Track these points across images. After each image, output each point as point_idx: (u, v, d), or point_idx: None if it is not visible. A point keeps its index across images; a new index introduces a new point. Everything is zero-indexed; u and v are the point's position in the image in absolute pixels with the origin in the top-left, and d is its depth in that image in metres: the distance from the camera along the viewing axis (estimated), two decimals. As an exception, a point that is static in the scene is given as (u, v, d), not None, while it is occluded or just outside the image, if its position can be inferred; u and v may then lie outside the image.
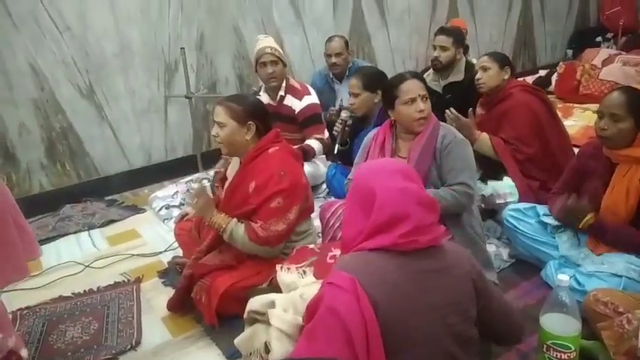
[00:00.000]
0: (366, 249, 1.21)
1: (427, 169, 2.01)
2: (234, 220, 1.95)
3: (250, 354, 1.56)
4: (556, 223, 2.10)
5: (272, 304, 1.55)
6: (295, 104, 3.02)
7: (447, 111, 2.48)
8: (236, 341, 1.63)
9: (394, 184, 1.21)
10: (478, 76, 2.60)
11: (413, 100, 2.00)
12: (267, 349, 1.49)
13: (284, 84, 3.02)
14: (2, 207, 1.62)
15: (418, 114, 2.01)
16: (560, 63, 4.99)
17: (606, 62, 4.60)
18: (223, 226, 1.94)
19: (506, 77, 2.59)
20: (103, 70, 3.27)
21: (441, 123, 2.12)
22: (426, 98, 2.03)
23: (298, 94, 3.03)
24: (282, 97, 3.03)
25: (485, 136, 2.51)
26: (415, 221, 1.18)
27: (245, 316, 1.64)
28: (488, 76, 2.58)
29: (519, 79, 2.87)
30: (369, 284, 1.15)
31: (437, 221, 1.24)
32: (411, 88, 2.01)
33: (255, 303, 1.61)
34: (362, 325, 1.11)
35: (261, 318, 1.57)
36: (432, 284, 1.20)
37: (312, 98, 3.07)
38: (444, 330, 1.20)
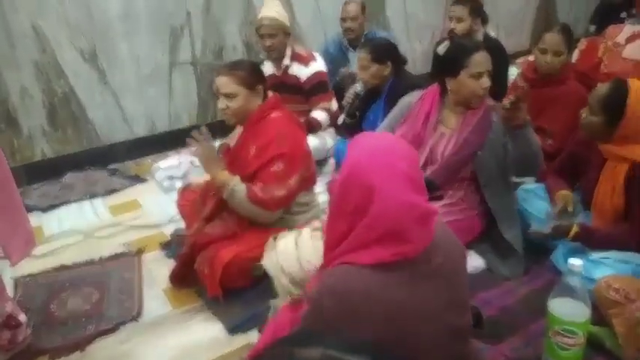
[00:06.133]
0: (359, 264, 1.03)
1: (479, 144, 1.98)
2: (238, 177, 1.91)
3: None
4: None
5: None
6: (302, 72, 2.92)
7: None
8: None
9: (399, 196, 1.01)
10: (548, 60, 2.44)
11: (481, 75, 1.94)
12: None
13: (288, 52, 2.92)
14: (6, 174, 1.58)
15: (482, 90, 1.96)
16: (582, 39, 4.80)
17: (631, 39, 4.39)
18: (226, 182, 1.89)
19: (569, 58, 2.50)
20: (106, 34, 3.18)
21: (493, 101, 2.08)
22: (491, 75, 1.97)
23: (304, 61, 2.93)
24: (287, 67, 2.94)
25: None
26: (412, 243, 1.03)
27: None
28: (559, 61, 2.45)
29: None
30: (368, 315, 1.02)
31: (433, 221, 1.08)
32: (482, 61, 1.95)
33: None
34: None
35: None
36: (429, 289, 1.08)
37: (319, 65, 2.97)
38: (446, 331, 1.12)
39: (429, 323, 1.08)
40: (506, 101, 1.82)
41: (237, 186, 1.89)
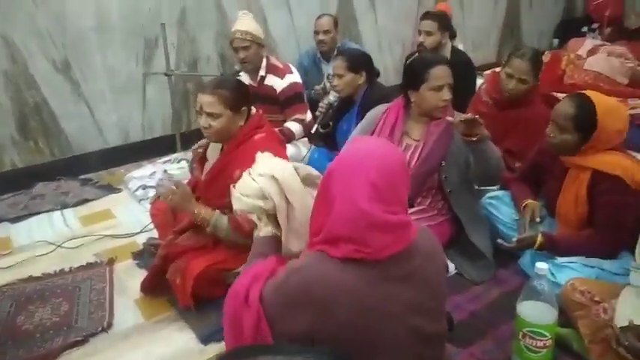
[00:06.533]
0: (330, 255, 1.11)
1: (444, 154, 2.04)
2: (217, 212, 1.89)
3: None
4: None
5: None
6: (277, 83, 2.96)
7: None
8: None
9: (356, 203, 1.07)
10: (512, 86, 2.42)
11: (441, 88, 1.99)
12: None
13: (264, 63, 2.95)
14: None
15: (442, 102, 2.00)
16: (546, 52, 4.99)
17: (591, 52, 4.60)
18: (207, 219, 1.87)
19: (536, 83, 2.46)
20: (79, 45, 3.16)
21: (455, 111, 2.11)
22: (451, 87, 2.01)
23: (280, 73, 2.97)
24: (263, 78, 2.97)
25: None
26: (371, 247, 1.08)
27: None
28: (524, 88, 2.42)
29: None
30: (323, 300, 1.09)
31: (402, 231, 1.11)
32: (441, 74, 1.99)
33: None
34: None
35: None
36: (397, 291, 1.12)
37: (295, 77, 3.01)
38: (411, 334, 1.15)
39: (392, 323, 1.11)
40: (462, 117, 1.86)
41: (218, 220, 1.87)
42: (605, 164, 1.81)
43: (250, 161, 1.79)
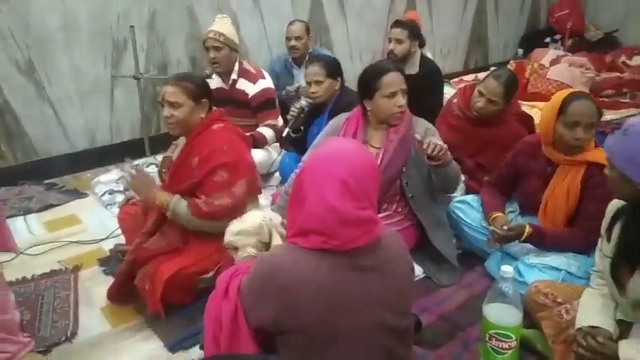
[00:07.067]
0: (300, 245, 1.17)
1: (405, 160, 2.06)
2: (177, 196, 1.91)
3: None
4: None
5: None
6: (249, 88, 2.95)
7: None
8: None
9: (326, 199, 1.11)
10: (481, 105, 2.41)
11: (394, 94, 2.00)
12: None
13: (236, 67, 2.95)
14: None
15: (397, 108, 2.02)
16: (511, 61, 5.15)
17: (554, 62, 4.79)
18: (165, 203, 1.89)
19: (506, 106, 2.47)
20: (44, 45, 3.08)
21: (413, 116, 2.13)
22: (405, 92, 2.03)
23: (252, 78, 2.97)
24: (235, 81, 2.96)
25: None
26: (338, 240, 1.12)
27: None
28: (494, 110, 2.42)
29: (472, 75, 2.83)
30: (288, 286, 1.14)
31: (370, 225, 1.15)
32: (393, 81, 2.00)
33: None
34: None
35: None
36: (362, 281, 1.17)
37: (267, 82, 3.01)
38: (374, 325, 1.19)
39: (357, 313, 1.16)
40: (428, 151, 1.86)
41: (177, 205, 1.88)
42: (601, 157, 1.82)
43: (207, 148, 1.90)
